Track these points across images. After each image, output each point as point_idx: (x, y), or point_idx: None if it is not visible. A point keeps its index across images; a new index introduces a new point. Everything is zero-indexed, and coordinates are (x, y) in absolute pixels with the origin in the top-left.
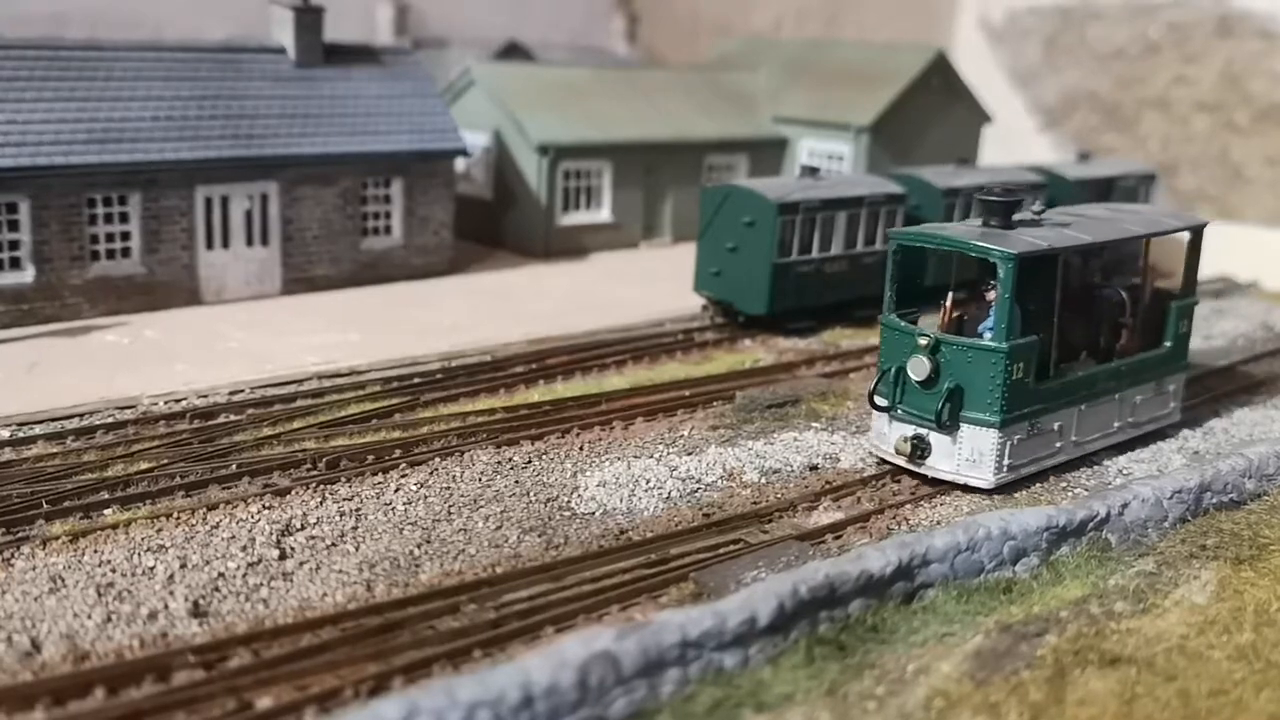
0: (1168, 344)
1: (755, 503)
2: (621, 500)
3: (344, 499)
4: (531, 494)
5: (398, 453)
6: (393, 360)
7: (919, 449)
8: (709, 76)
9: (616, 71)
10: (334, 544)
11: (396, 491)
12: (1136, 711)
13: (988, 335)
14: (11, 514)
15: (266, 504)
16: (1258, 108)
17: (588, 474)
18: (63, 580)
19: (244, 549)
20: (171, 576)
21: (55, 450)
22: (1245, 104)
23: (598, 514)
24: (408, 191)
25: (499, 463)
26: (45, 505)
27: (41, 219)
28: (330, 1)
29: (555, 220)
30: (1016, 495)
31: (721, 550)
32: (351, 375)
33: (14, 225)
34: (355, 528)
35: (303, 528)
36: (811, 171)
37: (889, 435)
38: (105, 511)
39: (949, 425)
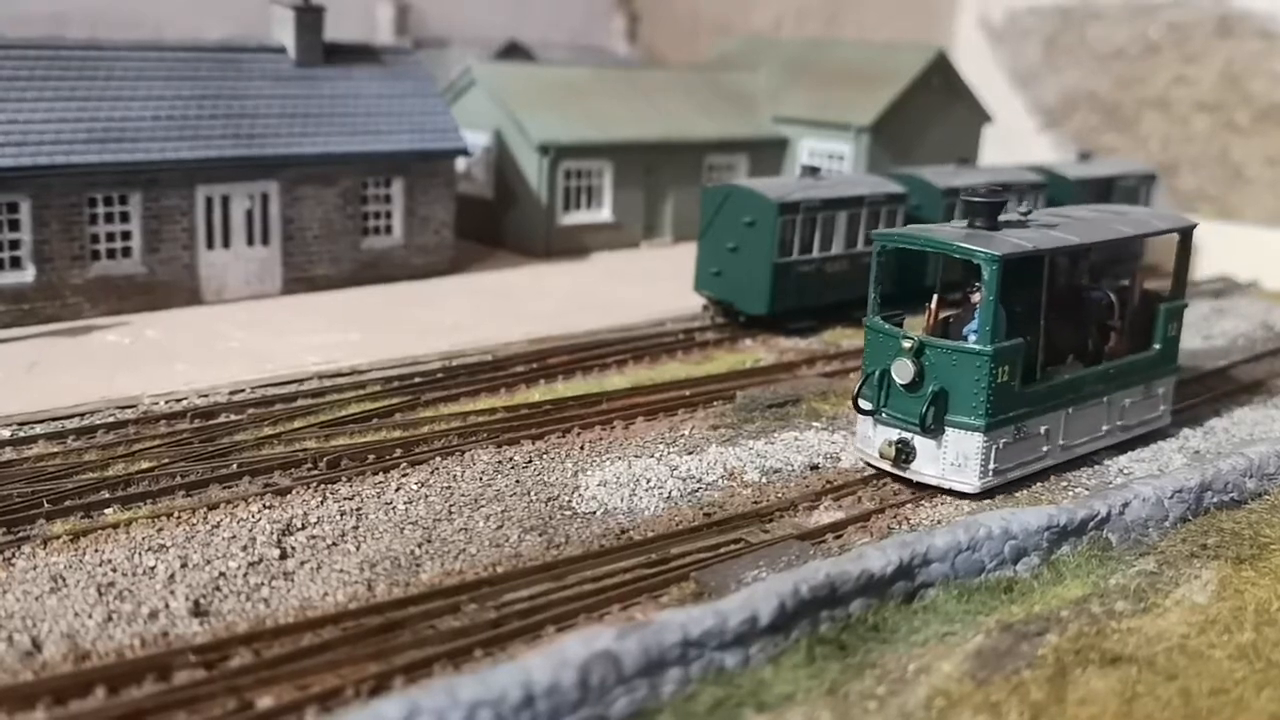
0: (1157, 346)
1: (756, 502)
2: (622, 500)
3: (345, 498)
4: (532, 493)
5: (398, 452)
6: (393, 360)
7: (903, 453)
8: (709, 76)
9: (617, 71)
10: (335, 543)
11: (397, 491)
12: (1137, 711)
13: (972, 338)
14: (12, 513)
15: (267, 503)
16: (1258, 108)
17: (588, 473)
18: (63, 580)
19: (245, 548)
20: (172, 576)
21: (56, 450)
22: (1245, 104)
23: (599, 513)
24: (408, 191)
25: (500, 462)
26: (46, 505)
27: (42, 218)
28: (331, 1)
29: (556, 220)
30: (1017, 495)
31: (722, 550)
32: (352, 375)
33: (14, 225)
34: (356, 527)
35: (303, 527)
36: (812, 171)
37: (873, 439)
38: (106, 511)
39: (934, 429)
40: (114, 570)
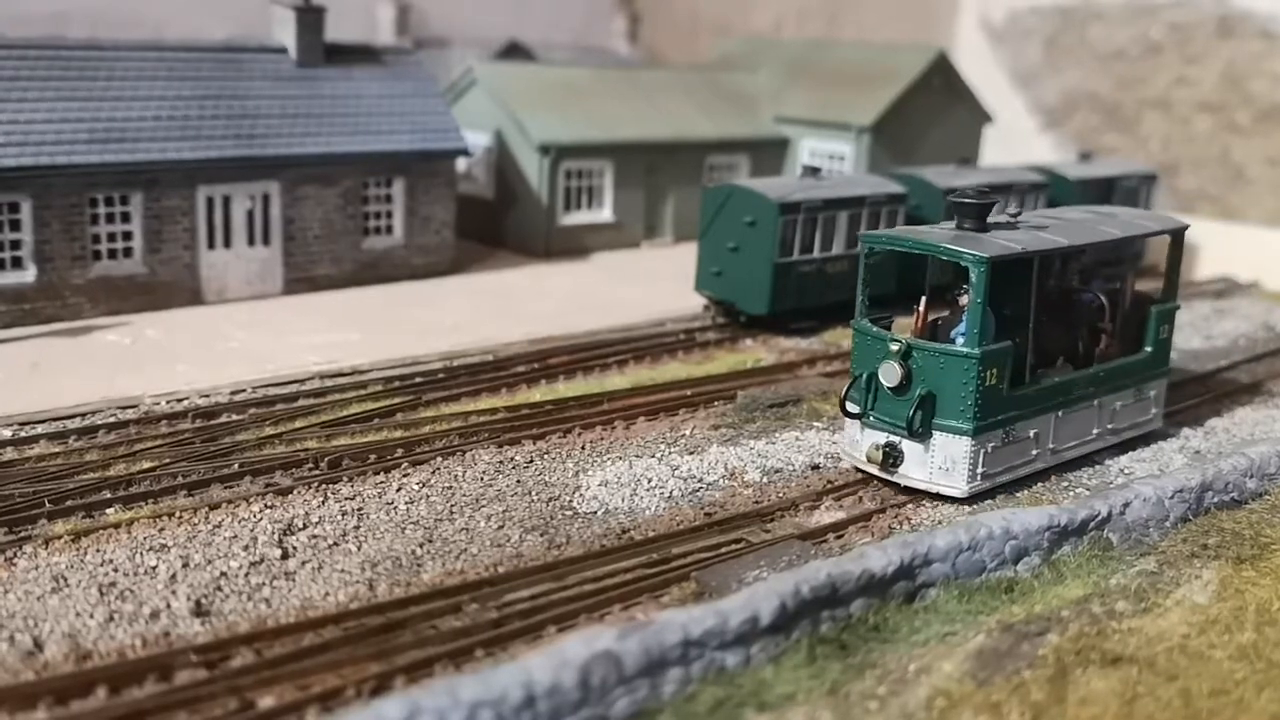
0: (1148, 349)
1: (757, 502)
2: (623, 500)
3: (346, 498)
4: (533, 493)
5: (400, 452)
6: (394, 360)
7: (891, 457)
8: (710, 76)
9: (618, 71)
10: (336, 543)
11: (398, 491)
12: (1138, 711)
13: (960, 341)
14: (14, 513)
15: (269, 503)
16: (1259, 108)
17: (589, 473)
18: (65, 579)
19: (246, 548)
20: (174, 576)
21: (57, 450)
22: (1246, 104)
23: (600, 513)
24: (409, 191)
25: (501, 462)
26: (48, 505)
27: (43, 219)
28: (331, 1)
29: (556, 220)
30: (1018, 495)
31: (723, 550)
32: (353, 375)
33: (15, 225)
34: (357, 527)
35: (305, 527)
36: (813, 171)
37: (861, 443)
38: (107, 511)
39: (921, 433)
40: (115, 570)
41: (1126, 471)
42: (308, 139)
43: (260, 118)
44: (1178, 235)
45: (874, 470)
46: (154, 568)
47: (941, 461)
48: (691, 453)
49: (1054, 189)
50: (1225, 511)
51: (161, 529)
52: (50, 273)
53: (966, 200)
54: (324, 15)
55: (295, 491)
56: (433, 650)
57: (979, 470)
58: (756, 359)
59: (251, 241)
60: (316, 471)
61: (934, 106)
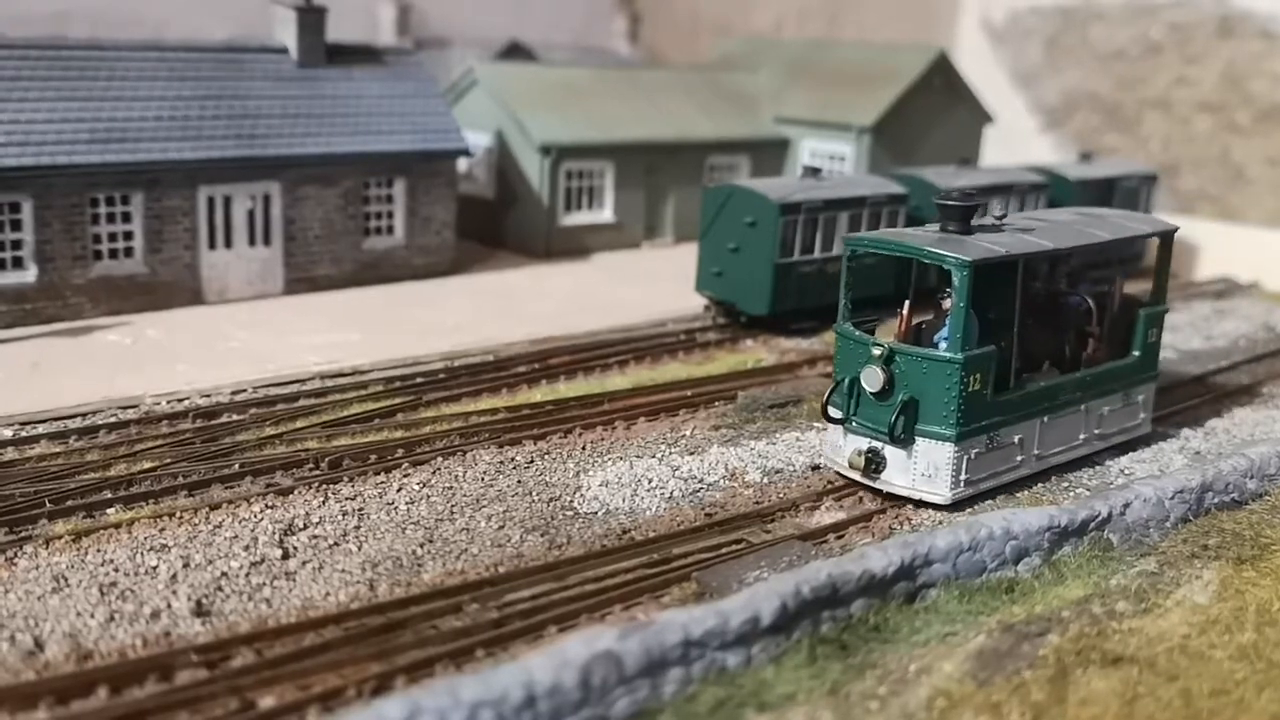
0: (1136, 353)
1: (757, 502)
2: (624, 500)
3: (347, 498)
4: (534, 494)
5: (400, 452)
6: (395, 360)
7: (873, 463)
8: (710, 77)
9: (618, 72)
10: (337, 543)
11: (399, 491)
12: (1138, 711)
13: (943, 345)
14: (14, 513)
15: (269, 503)
16: (1259, 108)
17: (590, 474)
18: (66, 579)
19: (247, 548)
20: (174, 576)
21: (58, 450)
22: (1246, 105)
23: (600, 514)
24: (410, 191)
25: (501, 462)
26: (48, 504)
27: (44, 219)
28: (332, 1)
29: (557, 220)
30: (1019, 495)
31: (724, 550)
32: (354, 375)
33: (16, 225)
34: (358, 527)
35: (305, 527)
36: (813, 172)
37: (843, 448)
38: (108, 511)
39: (903, 439)
40: (116, 570)
41: (1127, 472)
42: (308, 139)
43: (261, 118)
44: (1167, 237)
45: (856, 476)
46: (155, 568)
47: (924, 468)
48: (692, 453)
49: (1054, 189)
50: (1225, 512)
51: (162, 529)
52: (51, 272)
53: (951, 202)
54: (325, 15)
55: (296, 491)
56: (433, 650)
57: (962, 477)
58: (757, 359)
59: (252, 241)
60: (317, 471)
61: (934, 107)
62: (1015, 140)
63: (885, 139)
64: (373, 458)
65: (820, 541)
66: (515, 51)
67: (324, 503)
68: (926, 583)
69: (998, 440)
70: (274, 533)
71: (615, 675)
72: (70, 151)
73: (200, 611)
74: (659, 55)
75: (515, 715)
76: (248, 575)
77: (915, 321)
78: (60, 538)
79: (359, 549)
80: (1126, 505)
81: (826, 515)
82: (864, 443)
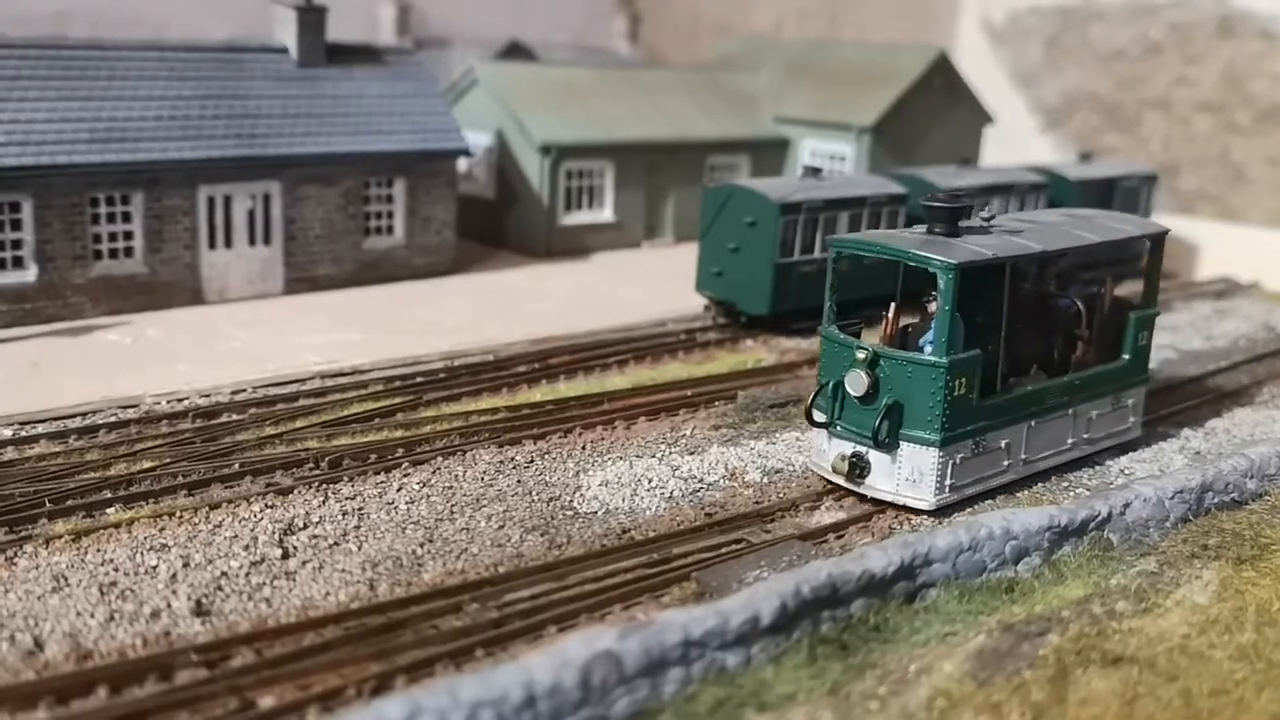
0: (1126, 356)
1: (757, 502)
2: (624, 500)
3: (347, 498)
4: (534, 493)
5: (400, 452)
6: (395, 359)
7: (857, 467)
8: (710, 76)
9: (618, 71)
10: (337, 543)
11: (399, 491)
12: (1138, 711)
13: (928, 349)
14: (14, 513)
15: (269, 503)
16: (1259, 108)
17: (590, 473)
18: (65, 579)
19: (246, 548)
20: (174, 575)
21: (58, 449)
22: (1246, 105)
23: (600, 513)
24: (410, 191)
25: (501, 462)
26: (48, 504)
27: (44, 218)
28: (332, 1)
29: (557, 220)
30: (1019, 495)
31: (724, 550)
32: (354, 374)
33: (16, 224)
34: (358, 527)
35: (305, 527)
36: (814, 172)
37: (827, 453)
38: (108, 510)
39: (887, 443)
40: (116, 570)
41: (1127, 472)
42: (309, 139)
43: (261, 117)
44: (1157, 240)
45: (840, 481)
46: (154, 567)
47: (909, 473)
48: (692, 453)
49: (1054, 189)
50: (1225, 512)
51: (162, 529)
52: (51, 272)
53: (937, 204)
54: (325, 15)
55: (296, 491)
56: (433, 650)
57: (947, 482)
58: (757, 359)
59: (252, 241)
60: (317, 471)
61: (935, 107)
62: (1015, 140)
63: (885, 139)
64: (373, 457)
65: (820, 541)
66: (515, 51)
67: (324, 502)
68: (926, 582)
69: (984, 445)
70: (274, 532)
71: (615, 675)
72: (70, 151)
73: (200, 611)
74: (659, 55)
75: (515, 715)
76: (248, 575)
77: (902, 324)
78: (60, 537)
79: (359, 549)
80: (1126, 505)
81: (826, 515)
82: (848, 447)
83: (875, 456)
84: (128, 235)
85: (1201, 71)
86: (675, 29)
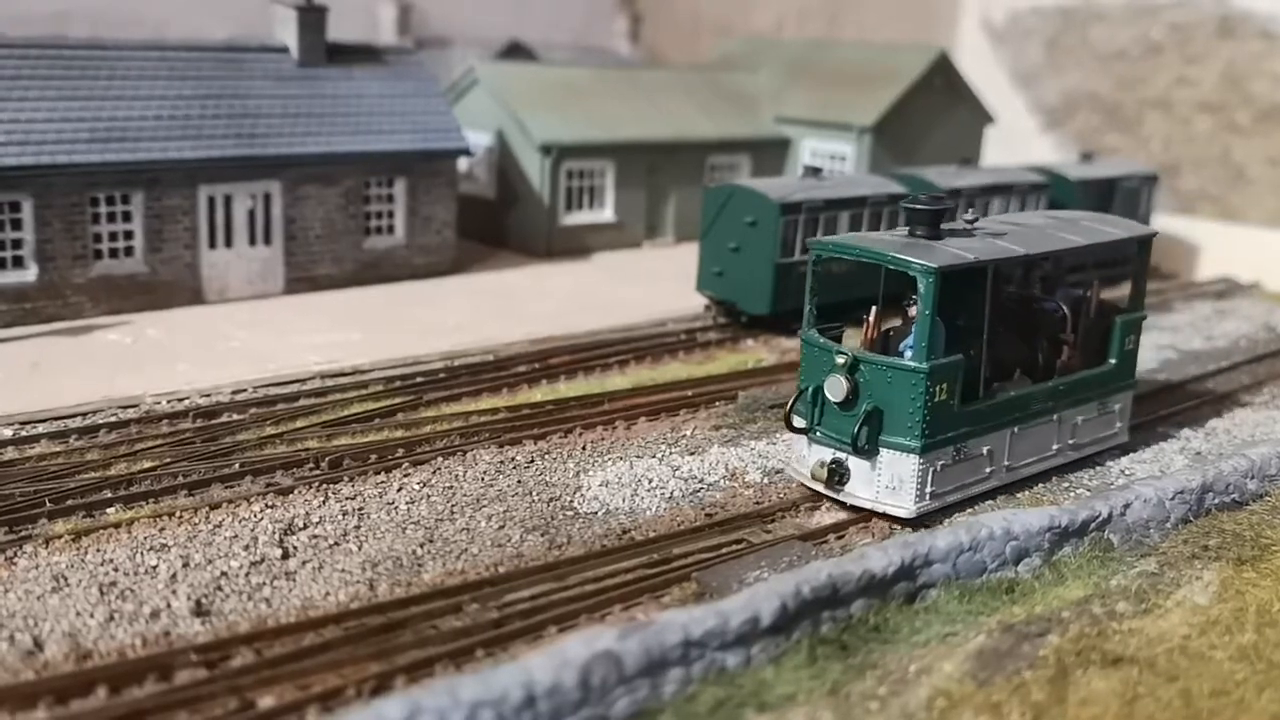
0: (1113, 361)
1: (758, 503)
2: (624, 500)
3: (347, 498)
4: (534, 493)
5: (400, 452)
6: (395, 359)
7: (836, 474)
8: (711, 76)
9: (619, 71)
10: (337, 543)
11: (399, 491)
12: (1138, 712)
13: (908, 354)
14: (14, 513)
15: (269, 503)
16: (1259, 108)
17: (590, 474)
18: (65, 579)
19: (246, 548)
20: (174, 575)
21: (58, 449)
22: (1247, 105)
23: (600, 514)
24: (410, 191)
25: (502, 462)
26: (48, 504)
27: (44, 218)
28: (333, 1)
29: (558, 220)
30: (1019, 495)
31: (724, 550)
32: (354, 374)
33: (17, 224)
34: (358, 527)
35: (305, 527)
36: (814, 171)
37: (807, 459)
38: (108, 510)
39: (867, 450)
40: (116, 570)
41: (1127, 472)
42: (309, 139)
43: (261, 117)
44: (1144, 242)
45: (819, 488)
46: (154, 567)
47: (888, 480)
48: (692, 453)
49: (1055, 190)
50: (1226, 513)
51: (162, 528)
52: (51, 272)
53: (918, 206)
54: (325, 15)
55: (296, 491)
56: (433, 650)
57: (928, 490)
58: (758, 359)
59: (253, 241)
60: (317, 471)
61: (935, 107)
62: (1016, 140)
63: (886, 139)
64: (373, 457)
65: (820, 541)
66: (516, 51)
67: (324, 502)
68: (927, 583)
69: (966, 451)
70: (274, 532)
71: (615, 675)
72: (70, 151)
73: (200, 611)
74: (660, 55)
75: (515, 715)
76: (247, 575)
77: (884, 328)
78: (60, 537)
79: (359, 549)
80: (1127, 506)
81: (827, 515)
82: (827, 453)
83: (855, 463)
84: (128, 235)
85: (1202, 72)
86: (676, 29)
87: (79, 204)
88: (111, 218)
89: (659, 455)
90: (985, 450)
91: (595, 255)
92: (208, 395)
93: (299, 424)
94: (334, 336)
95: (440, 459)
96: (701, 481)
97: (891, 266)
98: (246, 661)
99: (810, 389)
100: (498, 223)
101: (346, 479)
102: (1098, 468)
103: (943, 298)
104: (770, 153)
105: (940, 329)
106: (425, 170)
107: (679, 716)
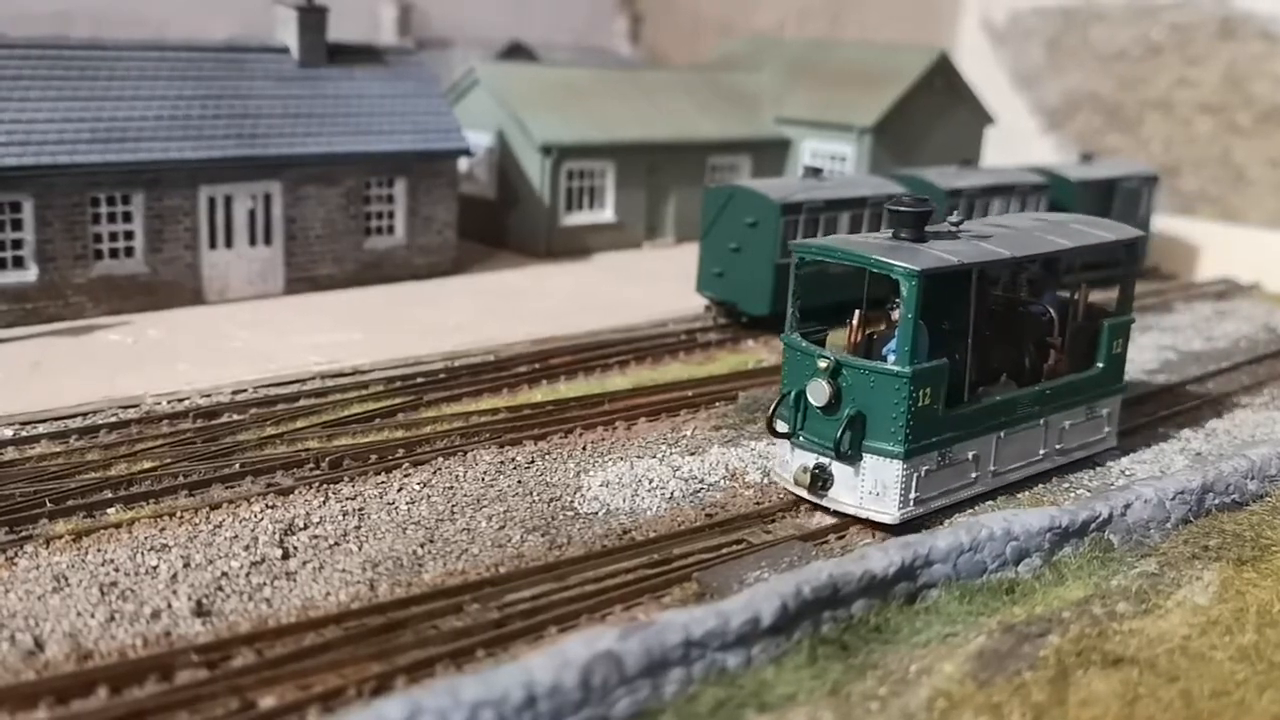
0: (1100, 365)
1: (758, 503)
2: (624, 500)
3: (347, 498)
4: (535, 494)
5: (401, 452)
6: (396, 360)
7: (819, 479)
8: (711, 77)
9: (619, 72)
10: (337, 543)
11: (400, 491)
12: (1139, 712)
13: (891, 358)
14: (15, 513)
15: (270, 503)
16: (1260, 109)
17: (591, 474)
18: (66, 579)
19: (247, 548)
20: (174, 576)
21: (59, 449)
22: (1247, 106)
23: (601, 514)
24: (411, 191)
25: (502, 462)
26: (49, 504)
27: (45, 218)
28: (333, 1)
29: (558, 220)
30: (1019, 495)
31: (724, 550)
32: (355, 375)
33: (17, 224)
34: (358, 527)
35: (306, 527)
36: (814, 172)
37: (790, 464)
38: (108, 511)
39: (850, 455)
40: (116, 570)
41: (1128, 473)
42: (309, 139)
43: (262, 117)
44: (1132, 245)
45: (802, 493)
46: (155, 567)
47: (872, 486)
48: (693, 453)
49: (1055, 190)
50: (1226, 513)
51: (162, 529)
52: (52, 272)
53: (902, 208)
54: (326, 15)
55: (296, 491)
56: (434, 650)
57: (911, 495)
58: (758, 360)
59: (253, 241)
60: (318, 471)
61: (936, 107)
62: (1016, 141)
63: (886, 139)
64: (373, 458)
65: (821, 542)
66: (516, 52)
67: (324, 503)
68: (927, 583)
69: (950, 457)
70: (274, 532)
71: (616, 675)
72: (71, 151)
73: (200, 611)
74: (660, 55)
75: (516, 715)
76: (248, 575)
77: (868, 332)
78: (60, 537)
79: (359, 549)
80: (1127, 506)
81: (827, 516)
82: (810, 458)
83: (838, 468)
84: (128, 235)
85: (1202, 73)
86: (676, 29)
87: (80, 204)
88: (112, 218)
89: (659, 455)
90: (970, 455)
91: (595, 256)
92: (208, 395)
93: (299, 424)
94: (334, 337)
95: (441, 459)
96: (702, 482)
97: (874, 269)
98: (247, 662)
99: (793, 393)
100: (498, 223)
101: (347, 479)
102: (1098, 468)
103: (926, 301)
104: (771, 153)
105: (923, 332)
106: (426, 170)
107: (680, 717)
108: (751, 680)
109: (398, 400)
